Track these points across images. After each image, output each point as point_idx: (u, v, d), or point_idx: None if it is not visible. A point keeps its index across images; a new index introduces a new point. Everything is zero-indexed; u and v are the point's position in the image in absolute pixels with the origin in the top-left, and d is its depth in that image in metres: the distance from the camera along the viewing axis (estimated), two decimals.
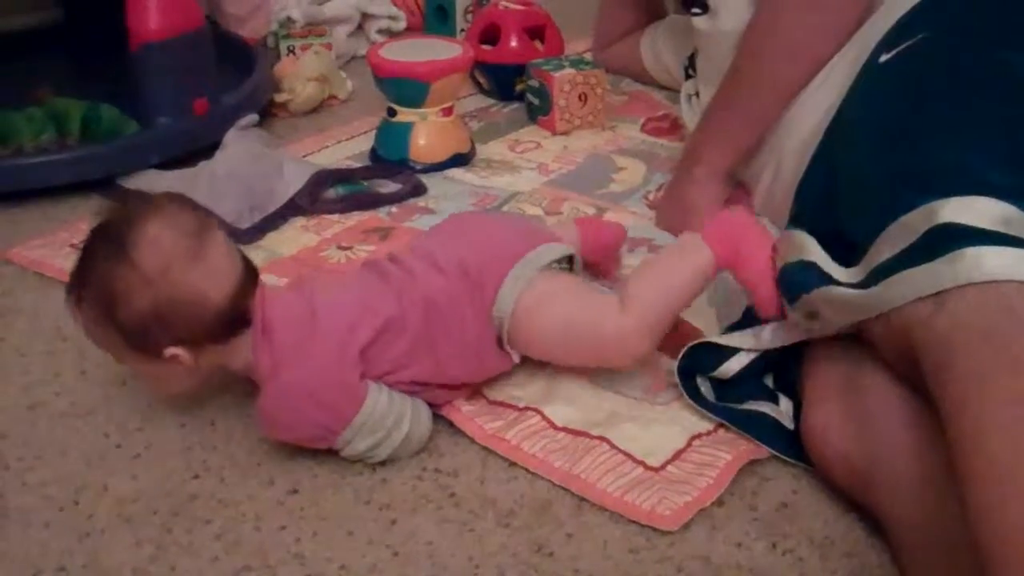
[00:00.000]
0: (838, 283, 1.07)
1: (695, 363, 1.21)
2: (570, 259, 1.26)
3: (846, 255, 1.10)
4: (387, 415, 1.13)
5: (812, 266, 1.11)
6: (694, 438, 1.18)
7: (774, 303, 1.17)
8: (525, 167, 1.86)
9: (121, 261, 1.08)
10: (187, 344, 1.11)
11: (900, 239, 1.02)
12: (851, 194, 1.16)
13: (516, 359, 1.23)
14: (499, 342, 1.21)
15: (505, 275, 1.20)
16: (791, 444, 1.16)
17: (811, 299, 1.10)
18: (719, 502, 1.10)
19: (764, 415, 1.18)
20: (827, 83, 1.39)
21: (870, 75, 1.27)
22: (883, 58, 1.26)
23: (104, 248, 1.09)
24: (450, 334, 1.18)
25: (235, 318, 1.12)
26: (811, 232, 1.19)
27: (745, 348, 1.20)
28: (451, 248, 1.22)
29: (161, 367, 1.13)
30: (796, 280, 1.12)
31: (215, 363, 1.15)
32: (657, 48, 2.13)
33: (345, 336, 1.13)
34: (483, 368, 1.23)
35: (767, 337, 1.19)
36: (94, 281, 1.10)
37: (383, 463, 1.15)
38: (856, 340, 1.08)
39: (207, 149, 1.79)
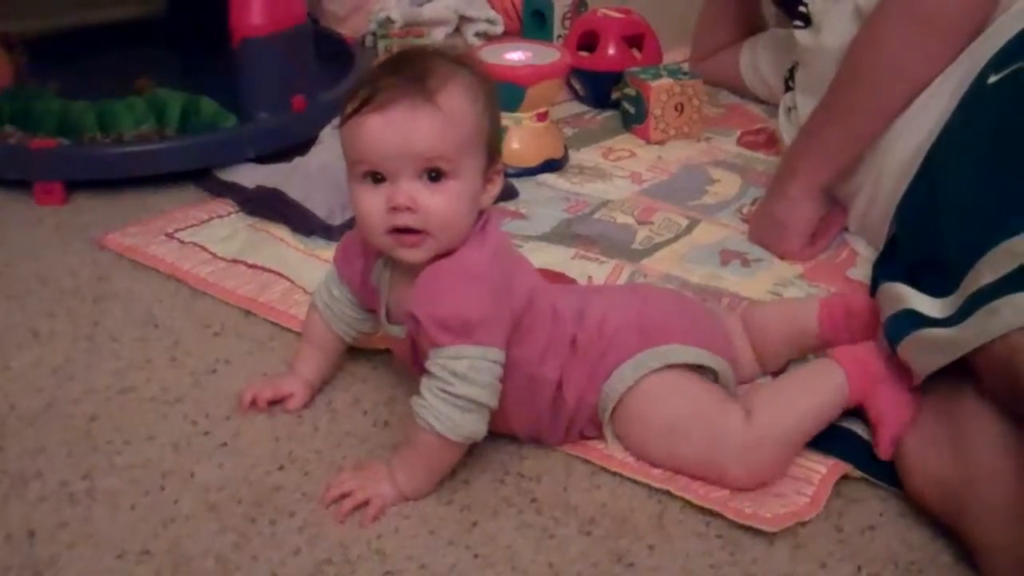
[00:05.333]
0: (932, 322, 1.06)
1: None
2: (713, 372, 1.19)
3: (940, 283, 1.08)
4: (493, 382, 1.08)
5: (908, 313, 1.09)
6: None
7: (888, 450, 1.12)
8: (618, 175, 1.85)
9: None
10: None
11: (1004, 264, 1.00)
12: (952, 216, 1.13)
13: (609, 441, 1.18)
14: (596, 420, 1.18)
15: (632, 353, 1.16)
16: (880, 466, 1.14)
17: (904, 348, 1.08)
18: (804, 521, 1.09)
19: (854, 434, 1.16)
20: (930, 103, 1.37)
21: (978, 95, 1.25)
22: (992, 79, 1.24)
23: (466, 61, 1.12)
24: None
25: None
26: (906, 255, 1.17)
27: None
28: (597, 302, 1.21)
29: (477, 184, 1.09)
30: (893, 331, 1.10)
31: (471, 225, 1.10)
32: (756, 61, 2.12)
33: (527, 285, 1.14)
34: (570, 429, 1.19)
35: None
36: (476, 73, 1.10)
37: (465, 464, 1.15)
38: (956, 365, 1.06)
39: (303, 145, 1.81)
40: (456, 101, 1.06)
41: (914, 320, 1.08)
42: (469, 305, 1.06)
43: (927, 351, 1.06)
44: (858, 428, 1.17)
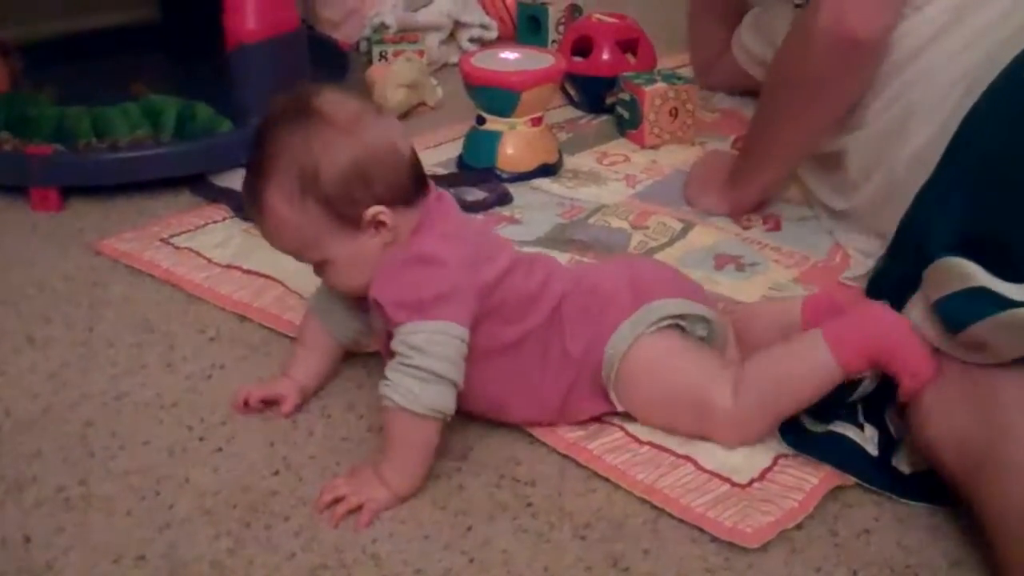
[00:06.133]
0: (1018, 304, 1.03)
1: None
2: (706, 320, 1.23)
3: (1003, 267, 1.07)
4: (452, 355, 1.09)
5: (982, 292, 1.06)
6: (780, 457, 1.17)
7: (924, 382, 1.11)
8: (612, 179, 1.85)
9: (314, 122, 1.10)
10: (385, 203, 1.12)
11: None
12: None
13: (619, 407, 1.21)
14: (599, 382, 1.20)
15: (629, 310, 1.19)
16: (874, 472, 1.14)
17: (983, 328, 1.05)
18: (799, 525, 1.09)
19: (848, 439, 1.16)
20: (945, 99, 1.34)
21: (1018, 82, 1.24)
22: None
23: (291, 120, 1.11)
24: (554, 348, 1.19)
25: (420, 175, 1.16)
26: (937, 236, 1.16)
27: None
28: (592, 272, 1.25)
29: (358, 244, 1.13)
30: (965, 310, 1.07)
31: (399, 235, 1.13)
32: (745, 45, 2.07)
33: (486, 256, 1.17)
34: (570, 396, 1.20)
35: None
36: (285, 154, 1.10)
37: (460, 469, 1.15)
38: None
39: None
40: (276, 207, 1.12)
41: (992, 301, 1.05)
42: (420, 284, 1.10)
43: (1018, 334, 1.04)
44: (850, 432, 1.17)
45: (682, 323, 1.20)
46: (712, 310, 1.24)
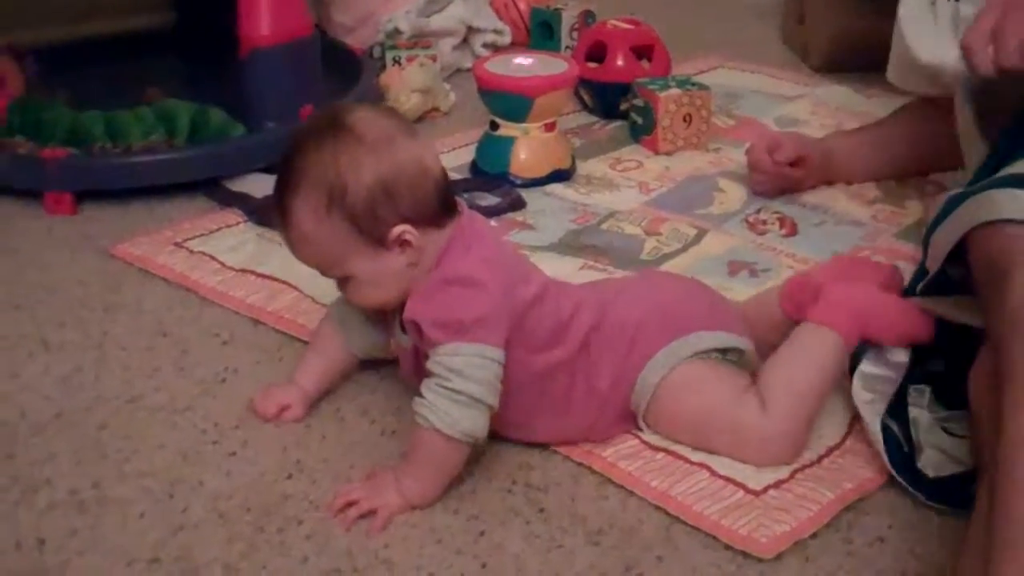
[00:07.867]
0: None
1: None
2: (739, 351, 1.23)
3: None
4: (490, 379, 1.09)
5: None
6: (797, 471, 1.16)
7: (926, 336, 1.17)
8: (625, 185, 1.85)
9: (343, 137, 1.10)
10: (412, 223, 1.11)
11: None
12: None
13: (646, 431, 1.21)
14: (627, 410, 1.20)
15: (659, 345, 1.19)
16: (904, 468, 1.14)
17: None
18: (813, 533, 1.08)
19: (890, 431, 1.17)
20: None
21: None
22: None
23: (322, 136, 1.11)
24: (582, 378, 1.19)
25: (448, 197, 1.15)
26: None
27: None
28: (619, 304, 1.22)
29: (383, 262, 1.13)
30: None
31: (425, 255, 1.13)
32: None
33: (523, 281, 1.16)
34: (597, 423, 1.20)
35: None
36: (314, 169, 1.10)
37: (472, 474, 1.15)
38: None
39: None
40: (302, 222, 1.12)
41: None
42: (461, 305, 1.09)
43: None
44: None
45: (715, 354, 1.20)
46: (746, 339, 1.23)
